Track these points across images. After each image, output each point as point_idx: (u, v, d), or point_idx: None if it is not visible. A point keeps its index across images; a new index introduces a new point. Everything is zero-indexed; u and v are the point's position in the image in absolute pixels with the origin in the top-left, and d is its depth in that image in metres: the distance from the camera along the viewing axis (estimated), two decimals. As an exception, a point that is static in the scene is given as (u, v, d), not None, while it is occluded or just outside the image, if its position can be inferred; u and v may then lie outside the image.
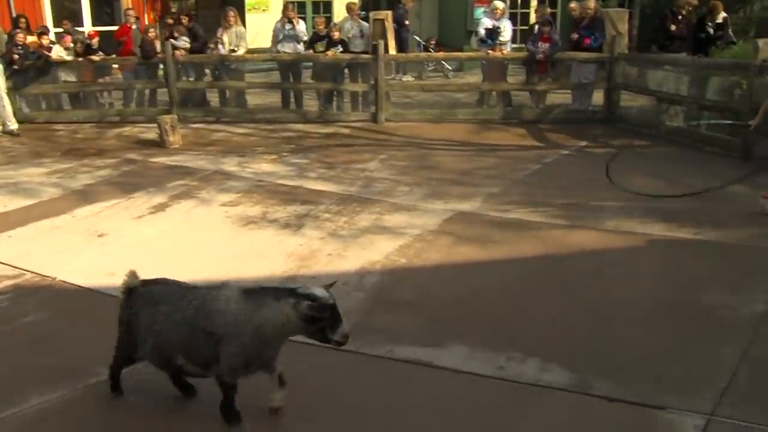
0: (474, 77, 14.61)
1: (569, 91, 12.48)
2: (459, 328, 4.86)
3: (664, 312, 5.08)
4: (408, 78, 16.12)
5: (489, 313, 5.06)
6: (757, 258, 5.98)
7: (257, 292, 3.61)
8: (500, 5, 12.92)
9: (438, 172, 8.81)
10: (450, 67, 17.29)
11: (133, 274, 3.89)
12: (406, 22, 16.74)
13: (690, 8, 12.39)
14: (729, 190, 7.57)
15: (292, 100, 12.75)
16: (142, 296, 3.83)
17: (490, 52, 12.21)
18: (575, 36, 12.25)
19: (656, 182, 8.03)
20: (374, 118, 11.84)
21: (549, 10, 14.97)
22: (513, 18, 17.53)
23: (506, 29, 12.49)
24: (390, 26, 14.56)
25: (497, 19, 12.52)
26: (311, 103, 12.78)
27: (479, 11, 17.55)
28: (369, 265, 5.94)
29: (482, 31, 12.62)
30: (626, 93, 11.93)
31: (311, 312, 3.48)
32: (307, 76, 12.94)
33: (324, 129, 11.57)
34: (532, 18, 16.12)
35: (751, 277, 5.60)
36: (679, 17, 12.14)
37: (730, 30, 12.86)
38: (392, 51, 13.97)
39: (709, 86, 10.49)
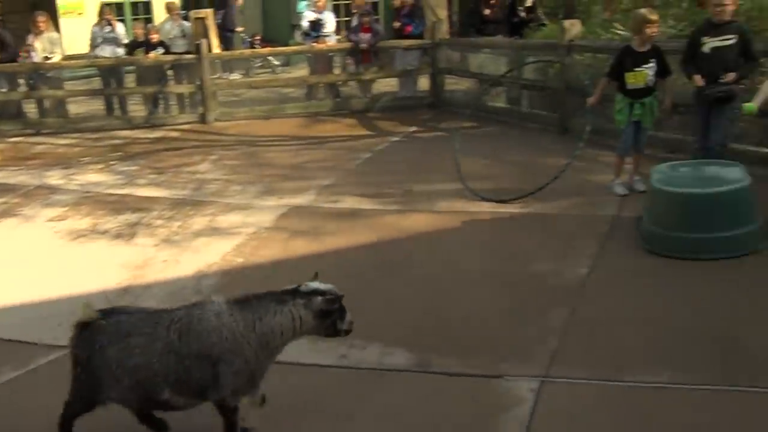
0: (301, 71, 14.62)
1: (396, 79, 12.73)
2: (301, 321, 4.85)
3: (497, 284, 5.30)
4: (236, 76, 15.93)
5: (330, 304, 5.09)
6: (578, 225, 6.33)
7: (252, 301, 3.42)
8: (323, -3, 12.99)
9: (270, 168, 8.76)
10: (277, 63, 17.21)
11: (88, 306, 3.42)
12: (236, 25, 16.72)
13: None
14: (550, 164, 7.96)
15: (117, 106, 12.28)
16: (104, 330, 3.37)
17: (314, 44, 12.26)
18: (397, 24, 12.51)
19: (485, 162, 8.33)
20: (203, 119, 11.61)
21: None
22: (336, 9, 17.69)
23: (329, 21, 12.58)
24: (212, 24, 14.33)
25: (320, 12, 12.59)
26: (137, 108, 12.36)
27: (302, 4, 17.54)
28: (206, 268, 5.84)
29: (305, 25, 12.65)
30: (450, 77, 12.30)
31: (326, 306, 3.42)
32: (130, 80, 12.52)
33: (152, 134, 11.23)
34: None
35: (573, 242, 5.93)
36: (492, 2, 12.64)
37: (540, 12, 13.55)
38: (216, 49, 13.75)
39: (525, 66, 10.99)
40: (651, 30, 6.80)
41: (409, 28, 12.22)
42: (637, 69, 6.80)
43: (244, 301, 3.42)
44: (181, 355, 3.33)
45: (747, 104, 5.84)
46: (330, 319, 3.45)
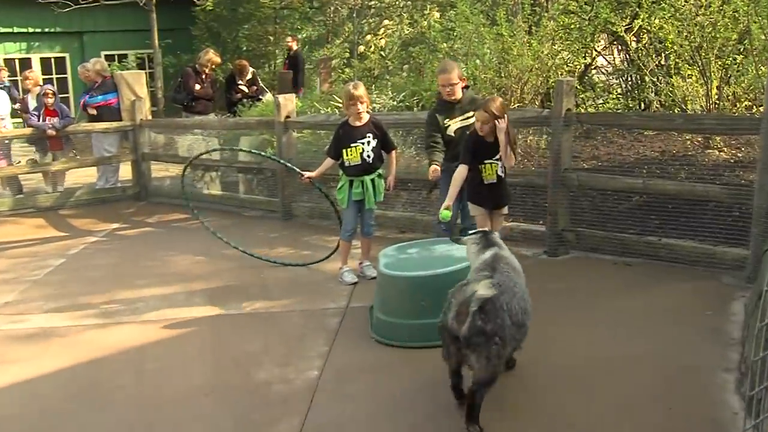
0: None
1: (93, 168, 12.48)
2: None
3: (218, 398, 5.27)
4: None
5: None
6: (306, 322, 6.51)
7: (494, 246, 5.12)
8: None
9: (-66, 287, 8.18)
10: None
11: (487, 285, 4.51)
12: None
13: (213, 66, 13.24)
14: (274, 255, 8.17)
15: None
16: (503, 293, 4.53)
17: (-15, 132, 11.75)
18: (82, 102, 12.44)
19: (200, 259, 8.36)
20: None
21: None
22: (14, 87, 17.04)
23: (2, 103, 12.13)
24: None
25: (-10, 93, 12.12)
26: None
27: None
28: None
29: (-28, 110, 12.11)
30: (157, 163, 12.29)
31: None
32: None
33: None
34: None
35: (302, 342, 6.08)
36: (203, 76, 12.89)
37: (262, 85, 14.08)
38: None
39: (241, 146, 11.26)
40: (354, 108, 7.21)
41: (85, 98, 12.10)
42: (353, 145, 7.22)
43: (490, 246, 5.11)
44: (525, 292, 4.81)
45: (443, 212, 6.35)
46: None
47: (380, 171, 7.37)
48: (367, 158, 7.23)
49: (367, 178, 7.27)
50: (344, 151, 7.26)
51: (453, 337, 4.51)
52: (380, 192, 7.39)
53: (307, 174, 7.56)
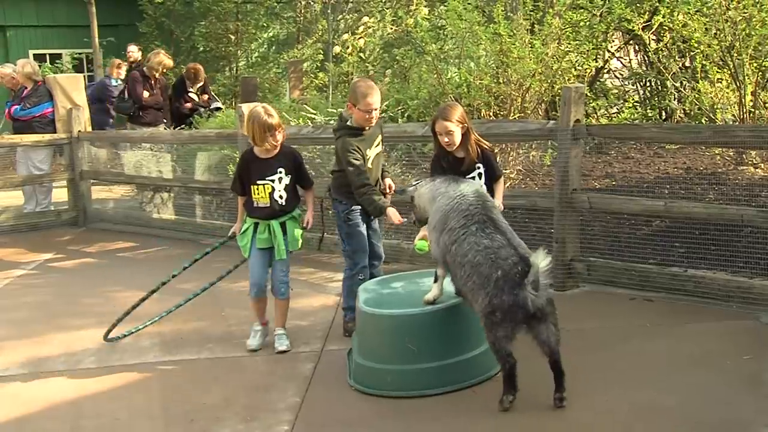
0: None
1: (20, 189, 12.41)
2: None
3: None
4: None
5: None
6: (274, 368, 6.46)
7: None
8: None
9: None
10: None
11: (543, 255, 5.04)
12: None
13: (164, 70, 13.22)
14: (237, 289, 8.12)
15: None
16: None
17: None
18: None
19: (139, 294, 8.28)
20: None
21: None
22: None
23: None
24: None
25: None
26: None
27: None
28: None
29: None
30: (99, 183, 12.22)
31: None
32: None
33: None
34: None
35: (269, 393, 6.01)
36: (153, 81, 12.87)
37: (213, 94, 14.08)
38: None
39: (197, 164, 11.23)
40: (273, 140, 6.64)
41: (13, 108, 12.03)
42: (260, 182, 6.73)
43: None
44: None
45: (420, 242, 6.31)
46: None
47: (295, 213, 6.92)
48: (278, 200, 6.76)
49: (275, 223, 6.80)
50: (252, 188, 6.78)
51: (527, 314, 5.13)
52: (296, 239, 6.92)
53: (232, 230, 7.12)
